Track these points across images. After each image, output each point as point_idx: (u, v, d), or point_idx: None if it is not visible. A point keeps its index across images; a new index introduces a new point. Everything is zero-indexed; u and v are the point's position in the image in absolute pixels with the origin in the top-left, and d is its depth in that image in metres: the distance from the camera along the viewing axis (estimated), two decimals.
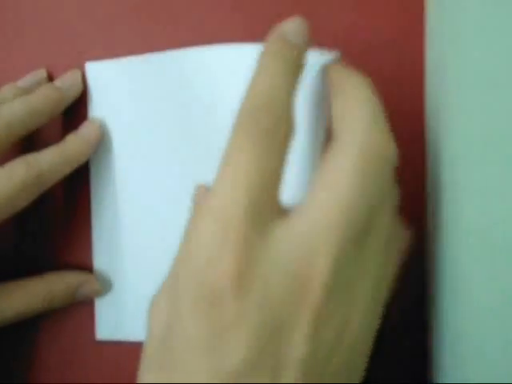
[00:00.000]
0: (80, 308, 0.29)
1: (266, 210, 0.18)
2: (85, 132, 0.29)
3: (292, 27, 0.21)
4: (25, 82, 0.30)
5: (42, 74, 0.30)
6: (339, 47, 0.29)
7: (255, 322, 0.16)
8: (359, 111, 0.19)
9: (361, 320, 0.19)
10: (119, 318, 0.29)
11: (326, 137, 0.25)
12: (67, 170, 0.28)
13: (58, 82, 0.29)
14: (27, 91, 0.29)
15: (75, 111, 0.30)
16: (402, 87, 0.29)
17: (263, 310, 0.16)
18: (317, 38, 0.26)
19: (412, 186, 0.29)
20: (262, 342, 0.16)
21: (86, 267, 0.30)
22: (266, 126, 0.18)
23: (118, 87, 0.28)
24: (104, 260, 0.29)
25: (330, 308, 0.17)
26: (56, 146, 0.28)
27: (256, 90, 0.19)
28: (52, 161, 0.27)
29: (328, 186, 0.18)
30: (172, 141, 0.27)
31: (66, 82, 0.29)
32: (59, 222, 0.30)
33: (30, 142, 0.31)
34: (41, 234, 0.30)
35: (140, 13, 0.30)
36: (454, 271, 0.25)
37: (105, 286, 0.29)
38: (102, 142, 0.29)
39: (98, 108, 0.29)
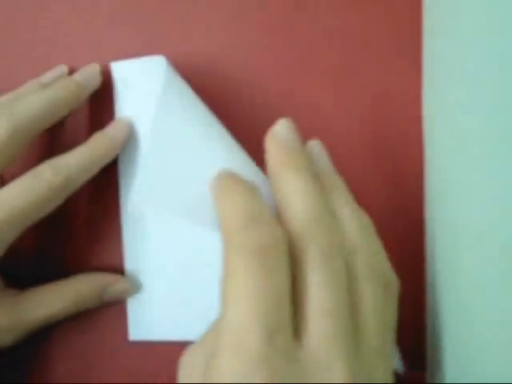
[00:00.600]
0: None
1: (283, 331, 0.18)
2: (112, 131, 0.28)
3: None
4: (47, 77, 0.29)
5: (62, 69, 0.30)
6: (335, 47, 0.30)
7: None
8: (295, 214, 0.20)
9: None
10: (151, 318, 0.29)
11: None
12: (94, 170, 0.27)
13: (76, 75, 0.29)
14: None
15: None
16: (400, 82, 0.30)
17: None
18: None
19: (411, 188, 0.29)
20: None
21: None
22: (264, 240, 0.18)
23: (143, 86, 0.28)
24: (135, 261, 0.29)
25: None
26: (83, 147, 0.27)
27: (239, 204, 0.20)
28: (79, 163, 0.27)
29: (315, 302, 0.19)
30: (199, 137, 0.27)
31: (85, 75, 0.29)
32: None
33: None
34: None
35: (146, 13, 0.30)
36: (452, 272, 0.25)
37: (135, 287, 0.29)
38: (129, 141, 0.28)
39: (124, 107, 0.29)
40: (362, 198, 0.29)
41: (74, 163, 0.26)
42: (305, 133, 0.29)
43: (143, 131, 0.28)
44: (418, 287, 0.29)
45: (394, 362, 0.22)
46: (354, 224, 0.22)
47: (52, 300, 0.27)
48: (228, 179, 0.23)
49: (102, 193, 0.30)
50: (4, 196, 0.25)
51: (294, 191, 0.21)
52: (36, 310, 0.27)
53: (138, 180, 0.27)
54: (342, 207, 0.22)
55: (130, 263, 0.29)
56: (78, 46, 0.31)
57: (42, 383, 0.30)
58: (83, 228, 0.30)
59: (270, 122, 0.29)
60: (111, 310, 0.30)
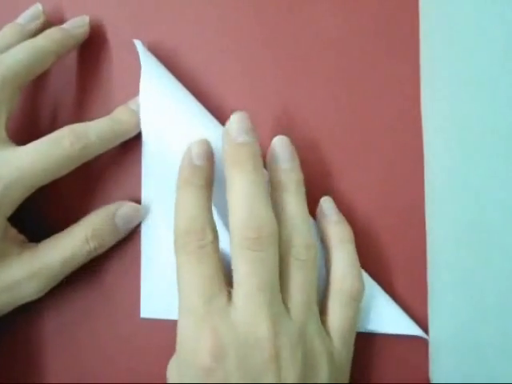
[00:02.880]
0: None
1: (218, 299, 0.24)
2: (136, 106, 0.29)
3: (196, 150, 0.26)
4: (24, 18, 0.30)
5: (37, 8, 0.30)
6: (332, 50, 0.30)
7: (235, 376, 0.23)
8: None
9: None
10: (163, 297, 0.30)
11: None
12: (115, 143, 0.28)
13: (64, 25, 0.30)
14: (28, 30, 0.29)
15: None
16: (398, 83, 0.30)
17: (240, 368, 0.23)
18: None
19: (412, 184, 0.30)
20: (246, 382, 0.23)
21: None
22: (196, 244, 0.25)
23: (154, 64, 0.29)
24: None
25: (283, 344, 0.24)
26: (106, 119, 0.28)
27: (181, 216, 0.25)
28: (99, 135, 0.27)
29: (242, 276, 0.24)
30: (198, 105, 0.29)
31: (72, 24, 0.30)
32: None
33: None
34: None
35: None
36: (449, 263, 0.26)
37: (145, 210, 0.30)
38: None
39: (148, 81, 0.29)
40: (362, 198, 0.30)
41: (94, 134, 0.27)
42: (300, 134, 0.30)
43: (165, 96, 0.29)
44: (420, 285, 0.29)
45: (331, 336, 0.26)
46: (293, 221, 0.26)
47: (64, 243, 0.27)
48: (185, 175, 0.26)
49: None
50: (21, 157, 0.26)
51: (234, 191, 0.25)
52: (51, 256, 0.27)
53: (160, 133, 0.29)
54: (287, 205, 0.26)
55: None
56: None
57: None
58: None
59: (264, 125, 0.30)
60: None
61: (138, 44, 0.30)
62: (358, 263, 0.28)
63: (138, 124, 0.29)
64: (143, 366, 0.29)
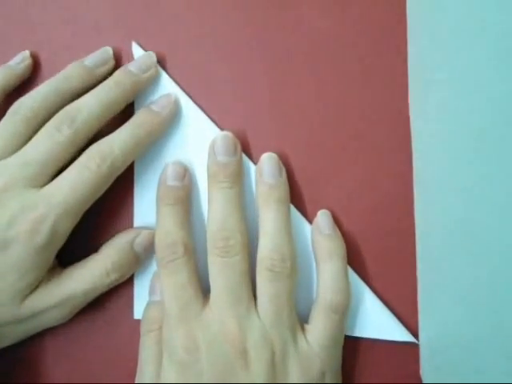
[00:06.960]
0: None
1: (193, 304, 0.27)
2: (156, 107, 0.29)
3: (170, 172, 0.29)
4: (92, 60, 0.29)
5: (107, 52, 0.30)
6: (321, 49, 0.30)
7: (208, 369, 0.26)
8: None
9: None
10: None
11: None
12: (142, 147, 0.28)
13: (131, 67, 0.29)
14: (97, 75, 0.29)
15: None
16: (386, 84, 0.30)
17: (212, 362, 0.26)
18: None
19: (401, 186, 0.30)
20: (217, 376, 0.26)
21: None
22: (168, 258, 0.27)
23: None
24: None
25: (253, 344, 0.26)
26: (127, 125, 0.28)
27: (157, 232, 0.28)
28: (124, 144, 0.27)
29: (213, 280, 0.27)
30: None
31: (142, 67, 0.29)
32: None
33: None
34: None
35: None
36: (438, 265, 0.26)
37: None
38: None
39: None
40: (350, 201, 0.30)
41: (118, 148, 0.27)
42: (290, 137, 0.30)
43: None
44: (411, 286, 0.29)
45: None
46: (270, 236, 0.27)
47: (86, 276, 0.28)
48: (160, 195, 0.29)
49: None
50: (55, 191, 0.26)
51: (211, 205, 0.28)
52: (74, 288, 0.28)
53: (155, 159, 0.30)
54: (266, 220, 0.28)
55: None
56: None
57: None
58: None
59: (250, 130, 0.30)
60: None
61: (135, 47, 0.30)
62: (345, 278, 0.28)
63: (161, 123, 0.29)
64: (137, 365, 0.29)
